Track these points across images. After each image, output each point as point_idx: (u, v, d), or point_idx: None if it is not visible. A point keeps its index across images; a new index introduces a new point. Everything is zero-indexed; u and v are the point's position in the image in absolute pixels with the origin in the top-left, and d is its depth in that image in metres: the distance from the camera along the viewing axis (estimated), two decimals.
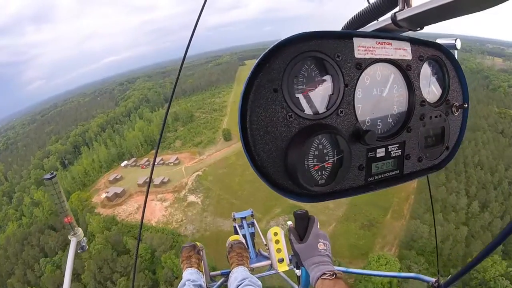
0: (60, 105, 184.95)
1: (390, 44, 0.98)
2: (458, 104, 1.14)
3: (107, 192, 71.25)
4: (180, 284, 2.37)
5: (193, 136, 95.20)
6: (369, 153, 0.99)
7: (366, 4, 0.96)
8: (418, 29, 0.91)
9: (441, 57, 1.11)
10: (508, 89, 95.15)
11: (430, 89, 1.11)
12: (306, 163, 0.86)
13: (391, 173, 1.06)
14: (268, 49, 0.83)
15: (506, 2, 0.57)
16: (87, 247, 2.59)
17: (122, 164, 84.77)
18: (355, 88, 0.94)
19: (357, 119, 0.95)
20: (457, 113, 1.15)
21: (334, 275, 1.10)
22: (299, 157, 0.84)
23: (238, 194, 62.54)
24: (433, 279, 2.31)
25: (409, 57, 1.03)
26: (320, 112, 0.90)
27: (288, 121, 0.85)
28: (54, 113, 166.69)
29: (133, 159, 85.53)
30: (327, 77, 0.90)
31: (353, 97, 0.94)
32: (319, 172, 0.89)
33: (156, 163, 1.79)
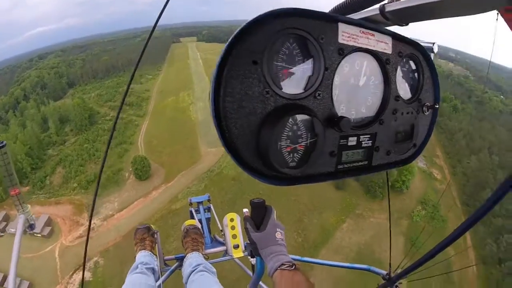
0: None
1: (373, 35, 0.98)
2: (429, 104, 1.17)
3: None
4: (132, 266, 2.32)
5: (86, 160, 56.58)
6: (341, 141, 0.99)
7: None
8: (404, 24, 0.95)
9: (418, 56, 1.14)
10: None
11: (404, 86, 1.14)
12: (279, 143, 0.83)
13: (359, 163, 1.06)
14: (252, 18, 0.78)
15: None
16: (36, 225, 2.32)
17: None
18: (334, 73, 0.92)
19: (333, 104, 0.94)
20: (427, 113, 1.18)
21: (293, 266, 1.11)
22: (273, 136, 0.81)
23: None
24: (385, 272, 2.43)
25: (389, 51, 1.04)
26: (297, 92, 0.88)
27: (264, 97, 0.82)
28: None
29: None
30: (308, 58, 0.88)
31: (332, 82, 0.92)
32: (291, 154, 0.87)
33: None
